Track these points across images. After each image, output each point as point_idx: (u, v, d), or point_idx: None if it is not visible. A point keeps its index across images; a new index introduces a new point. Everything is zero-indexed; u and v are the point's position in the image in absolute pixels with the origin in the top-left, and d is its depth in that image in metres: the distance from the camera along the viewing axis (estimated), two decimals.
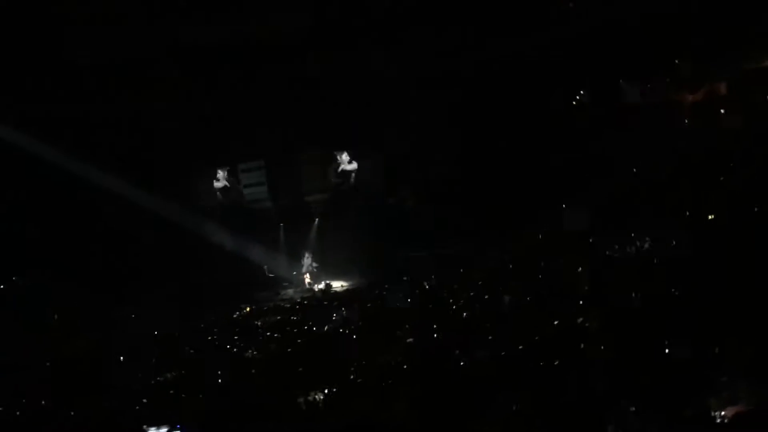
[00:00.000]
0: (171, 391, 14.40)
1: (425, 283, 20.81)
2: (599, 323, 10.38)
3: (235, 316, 22.72)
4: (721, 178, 15.78)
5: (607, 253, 14.63)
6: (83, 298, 22.75)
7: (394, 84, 25.50)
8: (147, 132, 26.90)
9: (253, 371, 14.96)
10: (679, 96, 24.99)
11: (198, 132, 26.76)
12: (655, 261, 12.57)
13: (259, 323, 21.19)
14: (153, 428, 11.54)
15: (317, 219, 28.90)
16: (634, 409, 7.37)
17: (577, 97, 26.73)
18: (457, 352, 11.56)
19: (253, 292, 25.95)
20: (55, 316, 22.22)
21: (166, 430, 11.37)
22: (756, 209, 12.71)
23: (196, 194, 29.67)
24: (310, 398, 11.83)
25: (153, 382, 15.41)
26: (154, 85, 26.32)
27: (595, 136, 24.43)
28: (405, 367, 12.05)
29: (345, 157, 29.32)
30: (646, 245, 13.77)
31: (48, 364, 17.40)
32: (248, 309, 23.29)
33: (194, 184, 29.61)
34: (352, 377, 12.75)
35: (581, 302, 11.99)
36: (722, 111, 22.77)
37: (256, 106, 26.52)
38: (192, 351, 18.35)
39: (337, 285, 26.35)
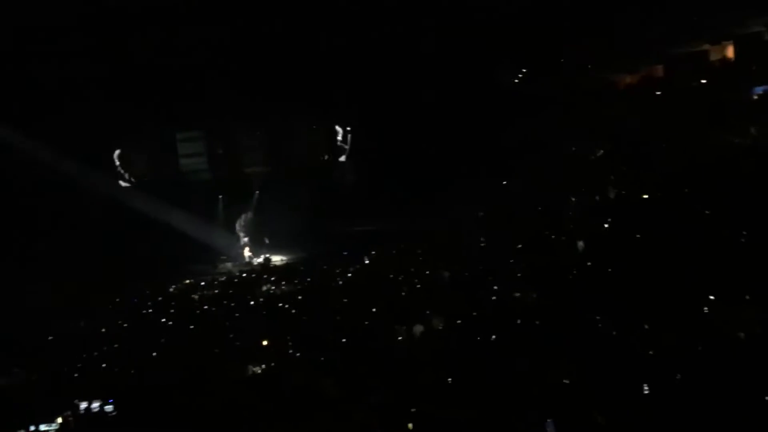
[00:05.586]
0: (103, 365, 14.12)
1: (365, 258, 20.83)
2: (536, 298, 10.56)
3: (171, 289, 22.31)
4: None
5: (546, 233, 14.85)
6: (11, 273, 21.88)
7: (341, 59, 25.16)
8: (80, 99, 25.77)
9: (189, 344, 14.74)
10: (615, 78, 25.56)
11: (133, 101, 25.83)
12: (591, 236, 12.80)
13: (196, 297, 20.90)
14: (84, 402, 11.27)
15: (257, 192, 28.48)
16: (568, 382, 7.51)
17: (519, 77, 27.02)
18: (396, 326, 11.61)
19: (191, 265, 25.46)
20: None
21: (98, 404, 11.11)
22: (687, 191, 13.09)
23: (132, 166, 28.87)
24: (249, 372, 11.77)
25: (85, 355, 15.07)
26: (83, 48, 25.22)
27: (535, 115, 24.72)
28: (343, 341, 12.06)
29: (288, 129, 29.00)
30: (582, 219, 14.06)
31: None
32: (185, 282, 22.92)
33: (129, 155, 28.79)
34: (290, 351, 12.70)
35: (519, 276, 12.18)
36: (657, 93, 23.33)
37: (196, 74, 25.77)
38: (126, 325, 18.00)
39: (277, 259, 26.12)
